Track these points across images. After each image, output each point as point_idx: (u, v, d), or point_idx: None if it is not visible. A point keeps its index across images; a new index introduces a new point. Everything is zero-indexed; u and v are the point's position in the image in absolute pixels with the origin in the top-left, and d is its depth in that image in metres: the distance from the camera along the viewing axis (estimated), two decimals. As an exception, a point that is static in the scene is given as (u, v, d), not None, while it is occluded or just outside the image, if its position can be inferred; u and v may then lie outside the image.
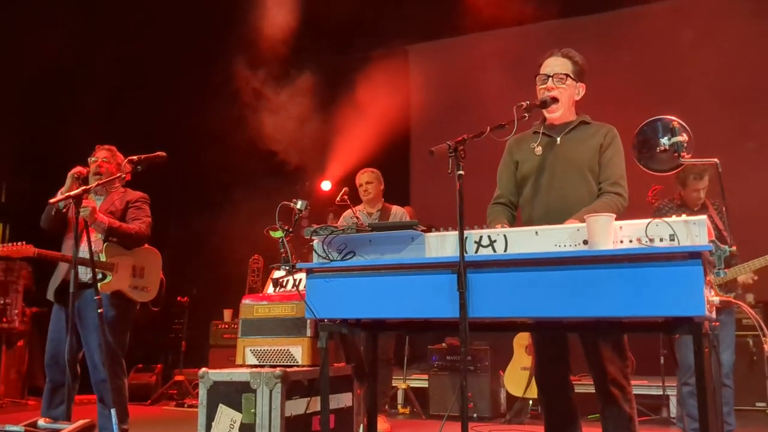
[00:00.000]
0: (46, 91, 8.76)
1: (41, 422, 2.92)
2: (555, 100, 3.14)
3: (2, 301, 7.83)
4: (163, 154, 4.21)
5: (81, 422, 2.89)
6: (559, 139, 3.21)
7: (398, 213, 5.60)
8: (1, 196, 9.77)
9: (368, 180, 5.60)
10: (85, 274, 4.20)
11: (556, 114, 3.19)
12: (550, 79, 3.16)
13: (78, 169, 4.24)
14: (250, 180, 8.71)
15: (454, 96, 8.46)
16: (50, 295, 4.39)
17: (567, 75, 3.16)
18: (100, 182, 4.31)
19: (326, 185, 8.87)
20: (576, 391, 3.37)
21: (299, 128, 7.99)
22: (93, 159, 4.55)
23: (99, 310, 3.91)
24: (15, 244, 4.18)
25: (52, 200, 4.05)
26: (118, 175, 4.38)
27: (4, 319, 7.77)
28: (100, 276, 4.23)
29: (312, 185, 9.22)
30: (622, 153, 3.17)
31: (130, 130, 8.30)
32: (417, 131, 9.06)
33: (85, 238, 4.20)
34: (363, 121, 8.40)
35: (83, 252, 4.10)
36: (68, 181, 4.20)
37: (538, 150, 3.23)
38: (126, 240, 4.43)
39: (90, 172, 4.39)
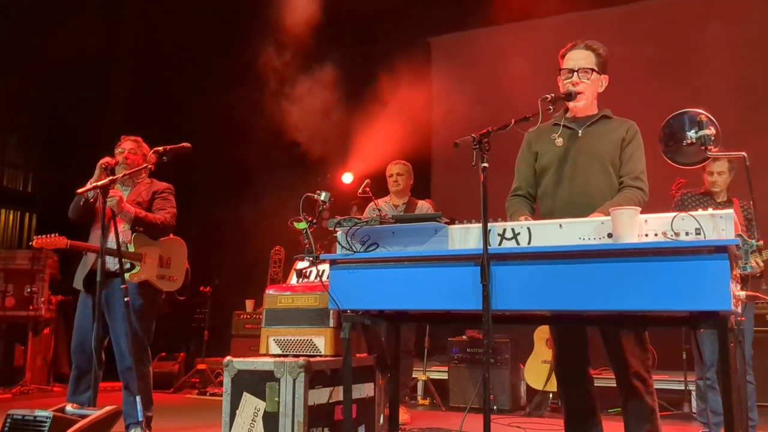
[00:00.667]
0: (72, 81, 8.87)
1: (69, 408, 2.97)
2: (580, 93, 3.12)
3: (29, 290, 7.96)
4: (188, 145, 4.27)
5: (107, 408, 2.94)
6: (581, 131, 3.19)
7: (424, 207, 5.59)
8: (27, 185, 9.91)
9: (399, 172, 5.58)
10: (113, 263, 4.26)
11: (579, 104, 3.17)
12: (575, 74, 3.14)
13: (106, 159, 4.29)
14: (271, 172, 8.76)
15: (476, 88, 8.42)
16: (78, 284, 4.47)
17: (592, 69, 3.14)
18: (127, 173, 4.37)
19: (348, 178, 8.89)
20: (596, 384, 3.36)
21: (321, 120, 8.01)
22: (119, 150, 4.60)
23: (125, 299, 3.98)
24: (48, 236, 4.26)
25: (80, 190, 4.11)
26: (144, 165, 4.44)
27: (31, 307, 7.90)
28: (128, 266, 4.32)
29: (333, 178, 9.25)
30: (643, 149, 3.16)
31: (155, 120, 8.39)
32: (439, 124, 9.03)
33: (112, 229, 4.28)
34: (385, 113, 8.40)
35: (111, 242, 4.16)
36: (97, 171, 4.25)
37: (559, 141, 3.21)
38: (151, 229, 4.49)
39: (117, 163, 4.44)
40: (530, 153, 3.35)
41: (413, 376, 6.91)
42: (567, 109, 3.29)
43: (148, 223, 4.45)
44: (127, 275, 4.28)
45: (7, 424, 2.76)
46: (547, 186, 3.26)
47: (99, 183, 3.99)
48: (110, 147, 4.72)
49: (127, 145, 4.64)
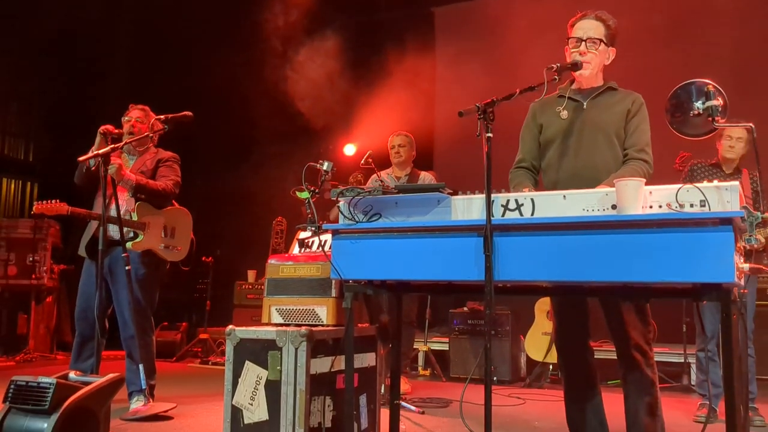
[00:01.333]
0: (73, 49, 8.79)
1: (72, 375, 2.98)
2: (586, 63, 3.09)
3: (31, 258, 7.99)
4: (189, 113, 4.24)
5: (110, 376, 2.96)
6: (585, 103, 3.17)
7: (427, 178, 5.58)
8: (29, 155, 9.88)
9: (401, 143, 5.57)
10: (116, 231, 4.26)
11: (585, 73, 3.14)
12: (583, 43, 3.10)
13: (107, 126, 4.27)
14: (273, 143, 8.72)
15: (481, 59, 8.33)
16: (82, 251, 4.48)
17: (600, 40, 3.09)
18: (128, 140, 4.34)
19: (350, 149, 8.85)
20: (596, 357, 3.37)
21: (324, 91, 7.94)
22: (126, 119, 4.57)
23: (126, 267, 4.03)
24: (49, 201, 4.24)
25: (80, 158, 4.09)
26: (146, 134, 4.41)
27: (33, 276, 7.93)
28: (132, 234, 4.32)
29: (335, 149, 9.21)
30: (648, 121, 3.13)
31: (156, 88, 8.34)
32: (442, 94, 8.96)
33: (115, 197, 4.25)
34: (388, 84, 8.32)
35: (116, 210, 4.19)
36: (97, 138, 4.25)
37: (564, 114, 3.18)
38: (153, 196, 4.48)
39: (123, 132, 4.41)
40: (535, 125, 3.32)
41: (414, 347, 6.96)
42: (572, 81, 3.26)
43: (150, 191, 4.44)
44: (130, 244, 4.29)
45: (11, 390, 2.77)
46: (551, 158, 3.24)
47: (100, 151, 3.97)
48: (112, 115, 4.68)
49: (134, 113, 4.61)
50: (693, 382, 6.00)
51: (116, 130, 4.36)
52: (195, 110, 4.27)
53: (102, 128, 4.27)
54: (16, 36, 8.85)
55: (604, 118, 3.13)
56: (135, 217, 4.39)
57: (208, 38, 8.96)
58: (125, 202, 4.38)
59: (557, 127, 3.21)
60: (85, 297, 4.39)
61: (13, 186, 9.84)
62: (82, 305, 4.40)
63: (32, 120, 9.68)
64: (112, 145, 4.07)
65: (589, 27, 3.11)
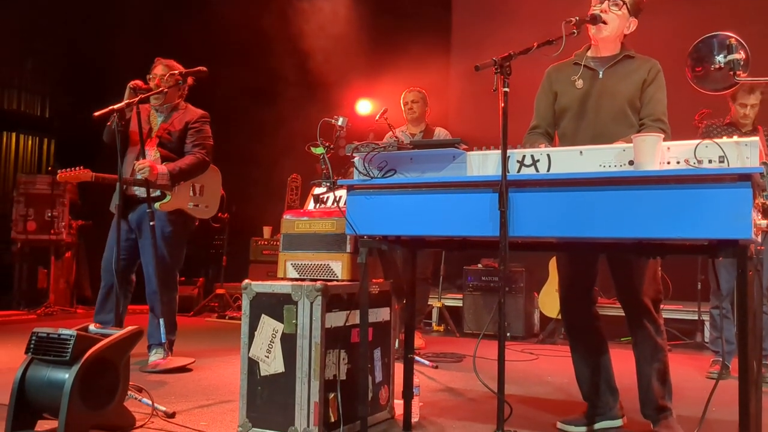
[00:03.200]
0: (89, 3, 8.73)
1: (92, 327, 3.03)
2: (605, 23, 3.01)
3: (50, 214, 8.08)
4: (204, 69, 4.19)
5: (130, 328, 3.01)
6: (601, 72, 3.11)
7: (442, 133, 5.54)
8: (45, 111, 9.90)
9: (414, 99, 5.53)
10: (143, 191, 4.28)
11: (601, 34, 3.06)
12: (606, 2, 3.02)
13: (137, 81, 4.22)
14: (288, 99, 8.68)
15: (498, 10, 8.19)
16: (112, 208, 4.49)
17: (624, 3, 3.01)
18: (145, 95, 4.22)
19: (365, 107, 8.78)
20: (610, 314, 3.39)
21: (338, 47, 7.86)
22: (151, 76, 4.49)
23: (151, 223, 4.07)
24: (72, 169, 4.24)
25: (96, 113, 4.06)
26: (162, 89, 4.32)
27: (52, 231, 8.04)
28: (158, 194, 4.35)
29: (349, 106, 9.15)
30: (665, 89, 3.08)
31: (174, 42, 8.28)
32: (458, 50, 8.84)
33: (146, 153, 4.27)
34: (403, 40, 8.22)
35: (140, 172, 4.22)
36: (126, 92, 4.19)
37: (579, 83, 3.14)
38: (191, 176, 4.51)
39: (144, 88, 4.32)
40: (550, 91, 3.27)
41: (428, 303, 7.01)
42: (589, 47, 3.20)
43: (187, 173, 4.45)
44: (157, 204, 4.33)
45: (33, 342, 2.83)
46: (566, 128, 3.20)
47: (115, 106, 3.92)
48: (129, 69, 4.62)
49: (159, 70, 4.51)
50: (706, 340, 6.01)
51: (145, 86, 4.30)
52: (211, 64, 4.23)
53: (132, 83, 4.20)
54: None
55: (619, 87, 3.08)
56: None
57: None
58: (152, 162, 4.34)
59: (571, 97, 3.17)
60: (111, 249, 4.42)
61: (30, 142, 9.90)
62: (108, 257, 4.46)
63: (48, 76, 9.67)
64: (127, 101, 4.03)
65: None
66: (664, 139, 2.90)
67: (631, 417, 3.33)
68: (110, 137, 4.34)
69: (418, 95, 5.56)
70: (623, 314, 3.21)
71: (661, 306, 3.13)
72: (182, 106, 4.64)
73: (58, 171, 4.28)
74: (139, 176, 4.21)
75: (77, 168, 4.26)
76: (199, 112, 4.65)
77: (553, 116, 3.27)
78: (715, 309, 4.87)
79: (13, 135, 9.74)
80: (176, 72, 4.22)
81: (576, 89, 3.15)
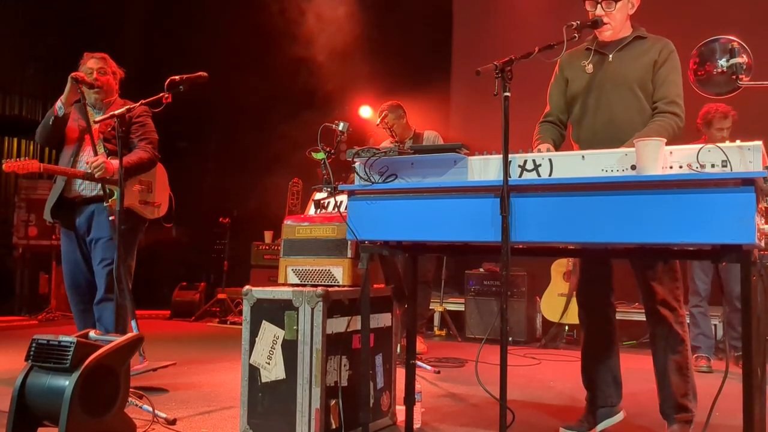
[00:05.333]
0: (90, 9, 8.75)
1: (92, 334, 3.02)
2: (606, 24, 3.01)
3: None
4: (204, 74, 4.04)
5: (130, 334, 2.99)
6: (611, 56, 3.09)
7: (431, 137, 5.50)
8: (22, 109, 9.79)
9: (383, 119, 5.38)
10: (88, 189, 4.02)
11: (605, 34, 3.07)
12: (598, 5, 3.00)
13: (80, 73, 3.99)
14: (290, 103, 8.68)
15: (499, 16, 8.20)
16: (47, 215, 4.12)
17: (614, 0, 2.98)
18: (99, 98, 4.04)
19: (366, 111, 8.78)
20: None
21: (340, 52, 7.85)
22: (87, 70, 4.14)
23: (111, 218, 3.73)
24: (19, 159, 3.93)
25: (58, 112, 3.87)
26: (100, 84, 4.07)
27: (54, 236, 8.03)
28: (108, 190, 3.97)
29: (351, 111, 9.16)
30: (679, 69, 3.01)
31: (172, 47, 8.29)
32: (459, 53, 8.83)
33: (88, 150, 3.95)
34: (404, 44, 8.23)
35: (83, 165, 3.95)
36: (68, 84, 3.93)
37: (589, 68, 3.12)
38: (141, 172, 4.14)
39: (90, 85, 4.06)
40: (562, 78, 3.27)
41: (430, 307, 7.00)
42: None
43: (137, 167, 4.05)
44: (105, 203, 3.95)
45: (33, 349, 2.82)
46: (575, 115, 3.20)
47: (62, 97, 3.79)
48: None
49: (92, 63, 4.17)
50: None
51: (88, 80, 4.03)
52: (210, 71, 4.19)
53: (74, 74, 3.93)
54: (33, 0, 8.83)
55: (628, 70, 3.05)
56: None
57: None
58: (99, 157, 3.96)
59: (581, 82, 3.16)
60: (71, 266, 4.11)
61: (31, 147, 9.92)
62: (70, 275, 4.11)
63: (49, 81, 9.67)
64: (69, 93, 3.85)
65: None
66: (679, 123, 2.92)
67: (634, 422, 3.31)
68: (44, 135, 4.10)
69: (394, 113, 5.41)
70: (627, 318, 3.19)
71: (682, 297, 3.05)
72: (119, 102, 4.24)
73: (4, 162, 3.95)
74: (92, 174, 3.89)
75: (25, 159, 3.96)
76: (141, 108, 4.06)
77: (565, 103, 3.26)
78: (695, 307, 5.23)
79: (15, 140, 9.77)
80: (177, 78, 3.74)
81: (585, 74, 3.13)
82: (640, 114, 3.02)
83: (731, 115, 4.90)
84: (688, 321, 5.83)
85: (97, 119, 3.86)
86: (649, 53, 3.04)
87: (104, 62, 4.19)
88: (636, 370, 4.24)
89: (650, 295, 3.02)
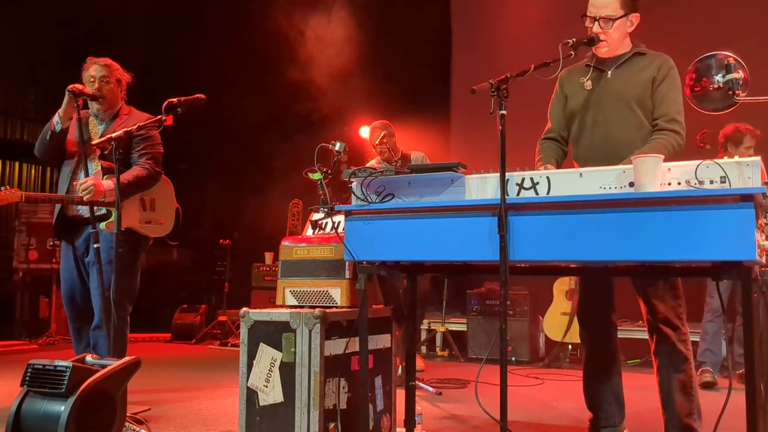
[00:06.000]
0: (89, 34, 8.80)
1: (89, 358, 2.99)
2: (603, 41, 3.01)
3: (51, 243, 8.07)
4: (202, 96, 3.92)
5: (127, 359, 2.96)
6: (609, 73, 3.09)
7: (418, 157, 5.51)
8: (24, 134, 9.82)
9: (381, 139, 5.35)
10: (86, 209, 3.83)
11: (602, 51, 3.07)
12: (596, 23, 2.99)
13: (77, 85, 3.80)
14: (289, 124, 8.71)
15: (498, 34, 8.23)
16: (56, 234, 4.06)
17: (612, 19, 2.96)
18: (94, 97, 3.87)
19: (365, 132, 8.79)
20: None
21: (339, 72, 7.88)
22: (89, 77, 3.99)
23: (95, 245, 3.45)
24: (1, 190, 3.77)
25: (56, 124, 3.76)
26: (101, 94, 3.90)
27: (54, 260, 8.01)
28: (103, 212, 3.81)
29: (350, 131, 9.17)
30: (679, 86, 2.99)
31: (173, 68, 8.33)
32: (458, 71, 8.86)
33: (81, 169, 3.75)
34: (403, 63, 8.26)
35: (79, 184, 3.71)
36: (65, 98, 3.78)
37: (588, 84, 3.12)
38: (139, 190, 3.95)
39: (92, 96, 3.92)
40: (562, 94, 3.27)
41: (432, 327, 6.98)
42: None
43: (135, 188, 3.88)
44: (103, 224, 3.75)
45: (28, 374, 2.79)
46: (573, 132, 3.21)
47: (60, 111, 3.69)
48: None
49: (94, 71, 3.99)
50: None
51: (89, 91, 3.88)
52: (209, 93, 4.15)
53: (71, 86, 3.74)
54: (34, 25, 8.89)
55: (626, 87, 3.04)
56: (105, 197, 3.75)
57: (218, 20, 8.95)
58: (95, 176, 3.80)
59: (579, 99, 3.15)
60: (68, 283, 3.98)
61: (33, 171, 9.95)
62: (67, 291, 3.98)
63: (51, 106, 9.72)
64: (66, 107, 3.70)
65: (601, 4, 2.98)
66: (680, 141, 2.90)
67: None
68: (43, 150, 3.95)
69: (383, 131, 5.39)
70: (629, 336, 3.16)
71: (685, 315, 3.01)
72: (125, 110, 4.09)
73: None
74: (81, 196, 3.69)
75: (5, 188, 3.78)
76: (145, 116, 3.95)
77: (565, 119, 3.26)
78: (709, 323, 5.17)
79: (17, 164, 9.78)
80: (174, 100, 3.57)
81: (584, 91, 3.13)
82: (638, 131, 3.01)
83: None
84: (697, 336, 5.83)
85: (94, 142, 3.72)
86: (648, 70, 3.03)
87: (108, 69, 4.01)
88: (640, 388, 4.19)
89: (652, 314, 2.99)
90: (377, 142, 5.45)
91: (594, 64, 3.13)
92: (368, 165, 4.88)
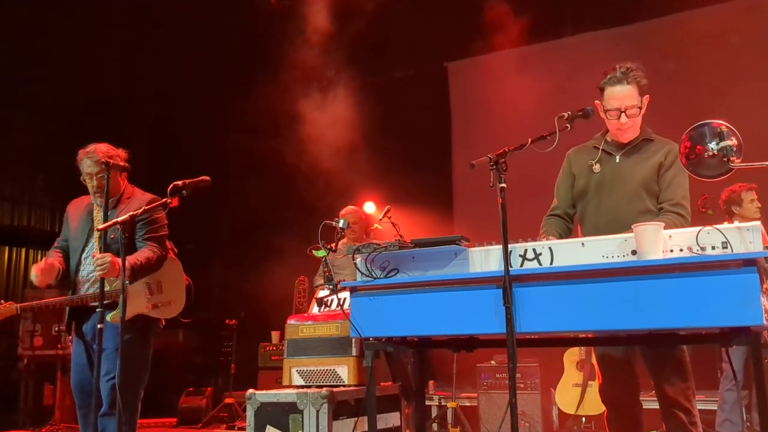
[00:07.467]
0: (95, 120, 9.02)
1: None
2: (629, 128, 3.07)
3: (56, 328, 8.01)
4: (207, 178, 3.90)
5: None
6: (618, 157, 3.14)
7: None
8: (54, 226, 9.97)
9: (353, 221, 5.41)
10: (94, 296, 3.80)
11: (626, 136, 3.11)
12: (623, 114, 3.02)
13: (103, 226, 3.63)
14: (294, 203, 8.80)
15: (494, 111, 8.40)
16: (67, 324, 4.08)
17: (637, 107, 3.03)
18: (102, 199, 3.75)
19: (369, 207, 8.88)
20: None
21: (343, 150, 8.03)
22: (85, 174, 3.96)
23: (99, 326, 3.40)
24: None
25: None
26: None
27: (59, 346, 7.94)
28: (108, 302, 3.66)
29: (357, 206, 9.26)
30: (685, 172, 2.99)
31: (180, 152, 8.48)
32: (459, 147, 9.00)
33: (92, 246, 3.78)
34: (405, 139, 8.42)
35: (89, 267, 3.82)
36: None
37: (597, 167, 3.16)
38: (147, 273, 3.86)
39: (89, 189, 3.94)
40: (570, 173, 3.31)
41: (443, 404, 6.84)
42: (606, 131, 3.22)
43: (145, 270, 3.81)
44: (109, 316, 3.68)
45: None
46: (581, 212, 3.25)
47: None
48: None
49: (89, 168, 3.92)
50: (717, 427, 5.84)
51: (91, 191, 3.95)
52: (215, 175, 4.17)
53: (100, 227, 3.64)
54: (41, 108, 9.12)
55: (634, 171, 3.09)
56: (107, 287, 3.64)
57: (224, 104, 9.18)
58: (103, 254, 3.66)
59: (586, 181, 3.20)
60: (77, 368, 3.94)
61: (39, 257, 9.98)
62: (76, 377, 3.94)
63: (57, 192, 9.87)
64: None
65: (624, 95, 3.02)
66: (684, 223, 2.92)
67: None
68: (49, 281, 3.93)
69: (355, 216, 5.53)
70: (646, 408, 3.11)
71: (695, 396, 3.01)
72: (127, 193, 4.03)
73: None
74: (95, 273, 3.61)
75: (1, 302, 3.81)
76: (148, 197, 3.94)
77: (571, 198, 3.29)
78: (727, 391, 5.01)
79: (23, 250, 9.84)
80: (180, 183, 3.57)
81: (593, 173, 3.17)
82: (644, 215, 3.01)
83: (753, 186, 4.94)
84: (715, 404, 5.71)
85: (101, 227, 3.63)
86: (656, 156, 3.08)
87: (99, 164, 3.85)
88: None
89: (662, 397, 2.99)
90: (380, 218, 5.50)
91: (603, 147, 3.18)
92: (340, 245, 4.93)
